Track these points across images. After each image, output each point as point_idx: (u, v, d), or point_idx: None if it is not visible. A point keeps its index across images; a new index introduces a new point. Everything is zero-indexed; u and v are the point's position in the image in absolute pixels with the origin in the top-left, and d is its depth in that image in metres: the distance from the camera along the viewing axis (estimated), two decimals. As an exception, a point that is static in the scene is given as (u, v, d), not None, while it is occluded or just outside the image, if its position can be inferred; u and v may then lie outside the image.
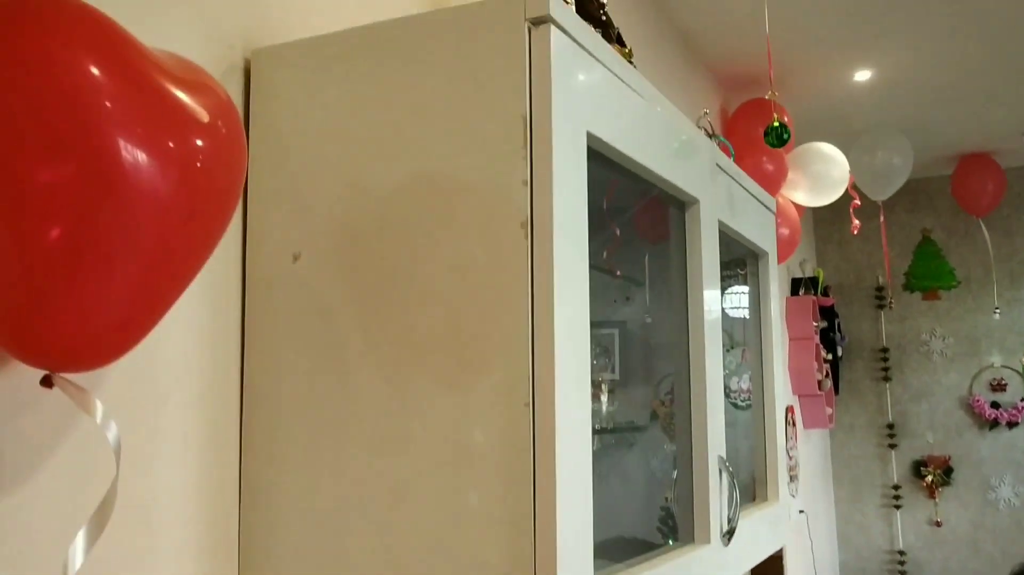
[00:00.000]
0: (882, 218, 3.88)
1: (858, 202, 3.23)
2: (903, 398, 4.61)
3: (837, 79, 3.28)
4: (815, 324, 4.04)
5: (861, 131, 3.78)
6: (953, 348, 4.54)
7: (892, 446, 4.59)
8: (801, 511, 3.81)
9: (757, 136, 3.03)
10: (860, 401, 4.69)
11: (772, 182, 2.97)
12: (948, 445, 4.50)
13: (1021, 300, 4.12)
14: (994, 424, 4.40)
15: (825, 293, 4.51)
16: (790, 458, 3.81)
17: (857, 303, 4.71)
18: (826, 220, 4.84)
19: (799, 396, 4.05)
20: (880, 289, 4.70)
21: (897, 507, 4.55)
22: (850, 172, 3.13)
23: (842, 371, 4.66)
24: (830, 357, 4.29)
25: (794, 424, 3.91)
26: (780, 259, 3.12)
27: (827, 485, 4.64)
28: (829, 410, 4.20)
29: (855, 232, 3.15)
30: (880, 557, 4.56)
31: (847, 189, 3.14)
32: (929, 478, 4.47)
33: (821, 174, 3.08)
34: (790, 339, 4.00)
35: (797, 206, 3.22)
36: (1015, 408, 4.35)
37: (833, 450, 4.72)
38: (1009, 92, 3.51)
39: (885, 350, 4.65)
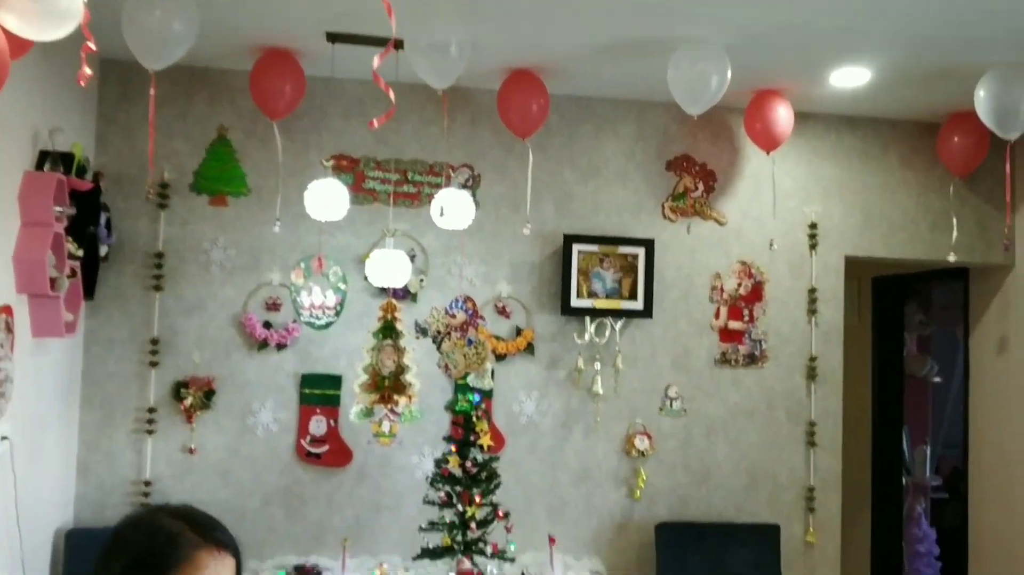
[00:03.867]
0: (153, 90, 3.26)
1: (92, 46, 2.54)
2: (174, 311, 4.09)
3: None
4: (59, 209, 3.27)
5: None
6: (234, 260, 4.14)
7: (154, 364, 4.05)
8: (3, 438, 3.04)
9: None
10: (125, 311, 4.05)
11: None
12: (214, 365, 4.10)
13: (305, 216, 3.85)
14: (263, 345, 4.12)
15: (95, 179, 3.77)
16: (-3, 371, 3.00)
17: (136, 199, 4.05)
18: (114, 97, 4.08)
19: (28, 296, 3.26)
20: (164, 186, 4.10)
21: (150, 433, 4.03)
22: (87, 6, 2.41)
23: (106, 275, 3.97)
24: (81, 254, 3.56)
25: (10, 330, 3.10)
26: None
27: (71, 407, 3.93)
28: (70, 316, 3.48)
29: (83, 83, 2.45)
30: (124, 488, 4.00)
31: (82, 26, 2.42)
32: (189, 401, 4.03)
33: (41, -6, 2.30)
34: (22, 223, 3.18)
35: (15, 39, 2.40)
36: (286, 330, 4.11)
37: (86, 366, 4.01)
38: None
39: (161, 255, 4.08)
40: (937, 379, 6.33)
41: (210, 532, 1.43)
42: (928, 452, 6.18)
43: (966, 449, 5.02)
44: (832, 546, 4.50)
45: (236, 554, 1.46)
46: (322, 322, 3.95)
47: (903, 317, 5.99)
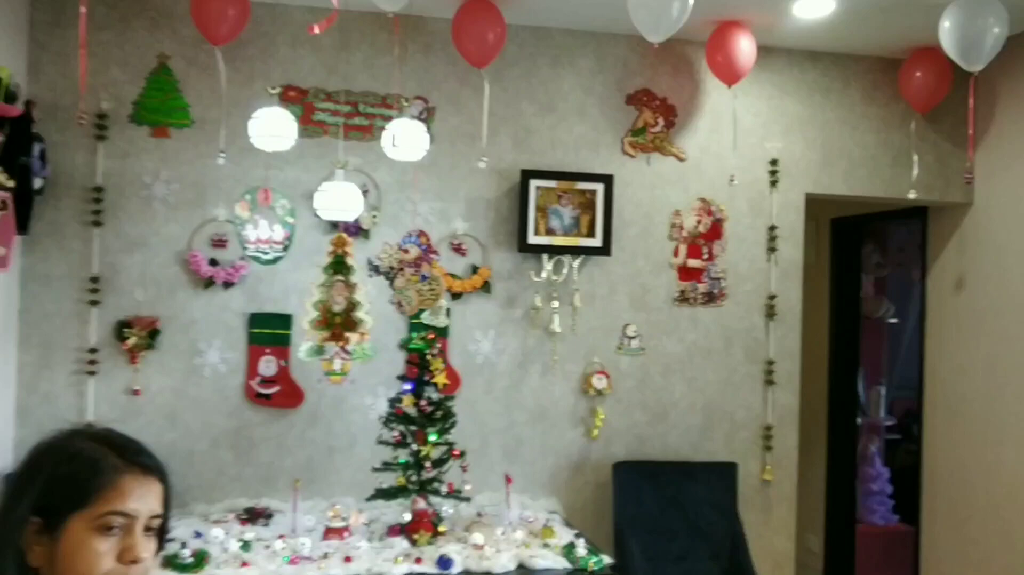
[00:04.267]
0: (83, 8, 3.06)
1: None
2: (115, 248, 3.93)
3: None
4: (-14, 136, 3.09)
5: None
6: (177, 195, 3.98)
7: (95, 303, 3.89)
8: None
9: None
10: (62, 247, 3.87)
11: None
12: (158, 304, 3.96)
13: (251, 148, 3.68)
14: (210, 283, 3.97)
15: (27, 107, 3.57)
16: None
17: (72, 130, 3.85)
18: (47, 23, 3.86)
19: (-45, 228, 3.09)
20: (102, 116, 3.91)
21: (92, 374, 3.88)
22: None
23: (41, 209, 3.78)
24: (13, 185, 3.38)
25: (-66, 262, 2.94)
26: None
27: (8, 347, 3.77)
28: (2, 250, 3.31)
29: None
30: (65, 431, 3.85)
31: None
32: (132, 341, 3.88)
33: None
34: (-54, 150, 2.99)
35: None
36: (233, 267, 3.97)
37: (23, 304, 3.84)
38: None
39: (100, 189, 3.90)
40: (893, 320, 6.36)
41: (133, 456, 1.32)
42: (883, 393, 6.22)
43: (921, 389, 5.04)
44: (788, 484, 4.50)
45: (163, 479, 1.36)
46: (269, 257, 3.80)
47: (860, 259, 5.98)
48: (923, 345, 5.02)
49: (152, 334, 3.92)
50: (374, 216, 4.06)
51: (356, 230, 4.02)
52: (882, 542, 5.84)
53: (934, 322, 4.92)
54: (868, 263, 6.09)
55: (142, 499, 1.30)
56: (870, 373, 6.21)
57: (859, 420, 6.02)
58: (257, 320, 4.01)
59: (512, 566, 3.33)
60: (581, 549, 3.46)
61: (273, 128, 3.38)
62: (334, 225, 3.94)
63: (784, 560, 4.51)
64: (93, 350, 3.88)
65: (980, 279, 4.58)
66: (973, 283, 4.63)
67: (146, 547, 1.31)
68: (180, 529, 3.54)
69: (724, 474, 4.29)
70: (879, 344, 6.33)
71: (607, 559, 3.44)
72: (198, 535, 3.47)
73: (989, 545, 4.46)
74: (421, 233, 3.61)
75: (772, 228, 4.47)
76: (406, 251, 3.56)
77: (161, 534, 1.37)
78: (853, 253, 5.92)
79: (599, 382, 4.26)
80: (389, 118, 3.95)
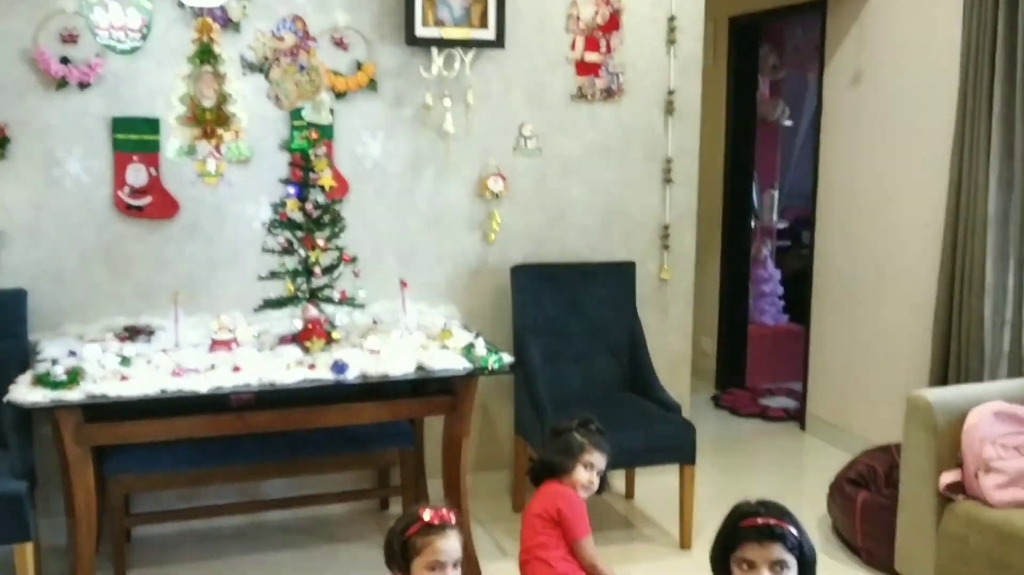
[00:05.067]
0: None
1: None
2: (-54, 45, 3.47)
3: None
4: None
5: None
6: (14, -17, 3.51)
7: (-70, 108, 3.47)
8: None
9: None
10: None
11: None
12: (5, 109, 3.55)
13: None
14: (63, 84, 3.58)
15: None
16: None
17: None
18: None
19: None
20: None
21: (-64, 187, 3.51)
22: None
23: None
24: None
25: None
26: None
27: None
28: None
29: None
30: (-88, 252, 3.51)
31: None
32: (-21, 150, 3.50)
33: None
34: None
35: None
36: (88, 66, 3.57)
37: None
38: None
39: (-80, -23, 3.40)
40: (787, 123, 6.35)
41: None
42: (775, 197, 6.28)
43: (814, 193, 5.06)
44: (685, 283, 4.50)
45: None
46: (126, 46, 3.39)
47: (758, 60, 5.87)
48: (818, 144, 5.00)
49: (1, 143, 3.54)
50: (244, 7, 3.69)
51: (225, 21, 3.64)
52: (772, 341, 6.03)
53: (830, 119, 4.89)
54: (765, 65, 5.99)
55: None
56: (764, 177, 6.24)
57: (753, 224, 6.08)
58: (121, 125, 3.65)
59: (411, 368, 3.24)
60: (481, 349, 3.38)
61: None
62: (198, 15, 3.55)
63: (681, 359, 4.57)
64: (-66, 161, 3.49)
65: (877, 72, 4.52)
66: (870, 76, 4.57)
67: None
68: (51, 348, 3.30)
69: (622, 274, 4.24)
70: (773, 148, 6.33)
71: (507, 357, 3.39)
72: (72, 354, 3.24)
73: (874, 340, 4.61)
74: (296, 18, 3.28)
75: (671, 19, 4.26)
76: (281, 39, 3.24)
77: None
78: (750, 55, 5.81)
79: (495, 184, 4.10)
80: None
